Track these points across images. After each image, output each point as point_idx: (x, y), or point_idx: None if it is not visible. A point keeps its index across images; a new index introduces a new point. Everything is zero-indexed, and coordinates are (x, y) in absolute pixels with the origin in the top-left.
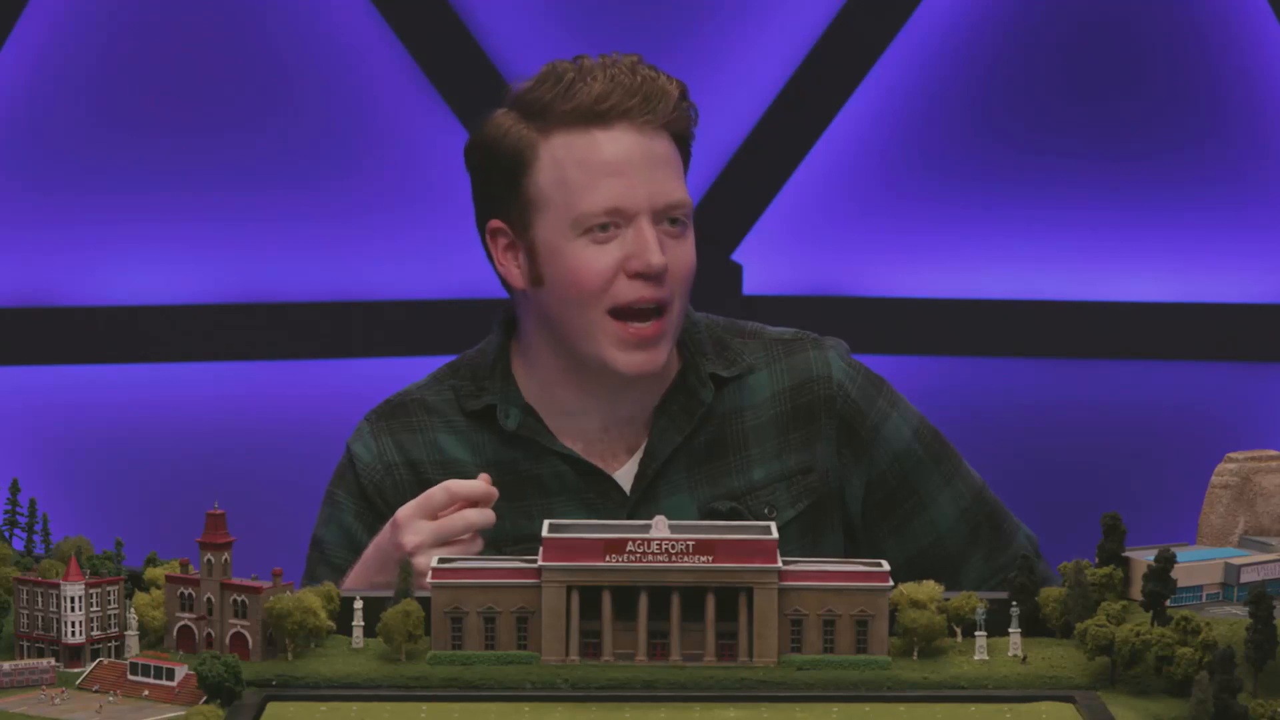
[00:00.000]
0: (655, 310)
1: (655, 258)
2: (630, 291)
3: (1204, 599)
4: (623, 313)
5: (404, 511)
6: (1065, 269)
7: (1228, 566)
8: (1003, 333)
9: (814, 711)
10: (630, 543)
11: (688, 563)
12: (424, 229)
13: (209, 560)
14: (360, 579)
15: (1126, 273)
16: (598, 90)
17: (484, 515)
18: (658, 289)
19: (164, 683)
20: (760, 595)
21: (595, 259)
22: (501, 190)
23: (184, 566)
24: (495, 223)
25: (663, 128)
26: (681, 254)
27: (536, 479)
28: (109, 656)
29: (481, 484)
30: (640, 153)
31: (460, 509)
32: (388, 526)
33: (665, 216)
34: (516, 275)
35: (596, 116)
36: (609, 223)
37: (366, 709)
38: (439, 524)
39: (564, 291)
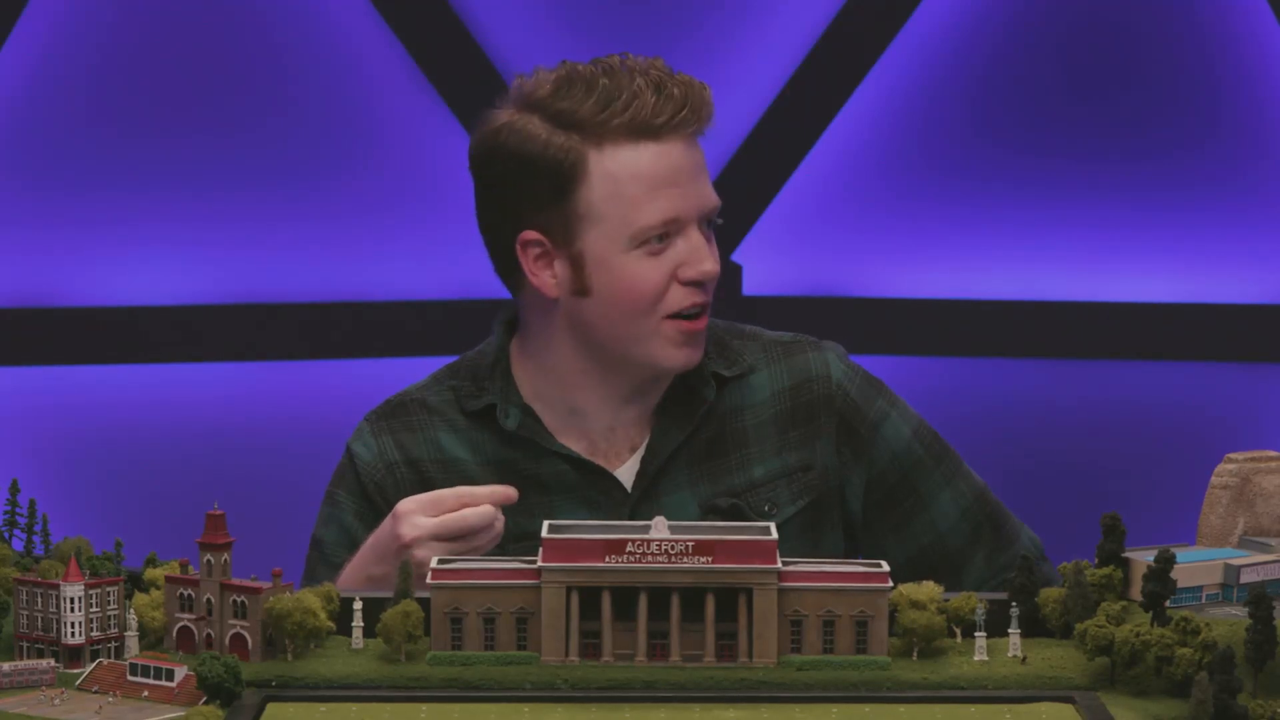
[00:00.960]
0: (701, 309)
1: (710, 265)
2: (684, 298)
3: (1204, 599)
4: (674, 314)
5: (406, 504)
6: (1065, 269)
7: (1227, 567)
8: (1003, 333)
9: (814, 712)
10: (630, 543)
11: (687, 563)
12: (424, 229)
13: (209, 561)
14: (357, 569)
15: (1126, 273)
16: (652, 105)
17: (482, 514)
18: (705, 292)
19: (163, 683)
20: (760, 596)
21: (651, 271)
22: (541, 203)
23: (184, 567)
24: (530, 234)
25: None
26: (715, 255)
27: (537, 478)
28: (109, 657)
29: (497, 489)
30: (688, 162)
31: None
32: (389, 518)
33: (707, 220)
34: (551, 285)
35: (650, 130)
36: (664, 233)
37: (366, 709)
38: (438, 520)
39: (616, 302)
